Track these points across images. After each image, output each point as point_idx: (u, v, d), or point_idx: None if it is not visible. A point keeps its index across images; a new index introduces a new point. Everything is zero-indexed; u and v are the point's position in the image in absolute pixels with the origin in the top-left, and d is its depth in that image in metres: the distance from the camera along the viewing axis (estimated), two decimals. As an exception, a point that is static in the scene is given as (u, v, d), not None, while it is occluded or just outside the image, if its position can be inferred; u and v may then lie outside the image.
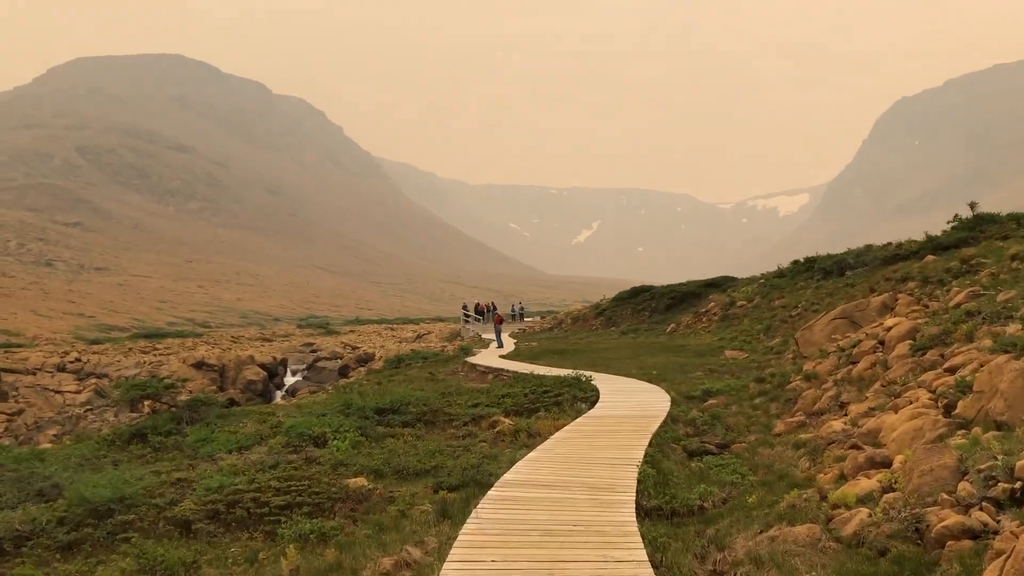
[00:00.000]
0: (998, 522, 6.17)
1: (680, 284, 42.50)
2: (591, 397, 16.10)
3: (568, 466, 9.98)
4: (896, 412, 10.30)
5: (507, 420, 14.24)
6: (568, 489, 8.78)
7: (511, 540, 7.06)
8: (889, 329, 15.05)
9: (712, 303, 35.30)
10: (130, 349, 56.21)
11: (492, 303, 57.40)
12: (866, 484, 8.01)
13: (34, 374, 42.43)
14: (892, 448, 9.10)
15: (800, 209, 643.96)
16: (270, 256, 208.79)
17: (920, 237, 28.44)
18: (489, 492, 8.76)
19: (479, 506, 8.16)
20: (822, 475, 9.37)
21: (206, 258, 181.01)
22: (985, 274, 17.51)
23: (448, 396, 17.52)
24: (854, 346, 15.65)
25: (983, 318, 12.68)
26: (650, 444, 11.37)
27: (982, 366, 9.84)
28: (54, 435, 32.27)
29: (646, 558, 6.53)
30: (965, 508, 6.57)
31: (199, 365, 41.81)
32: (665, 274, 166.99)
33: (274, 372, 44.98)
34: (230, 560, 7.94)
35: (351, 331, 77.27)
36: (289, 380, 45.83)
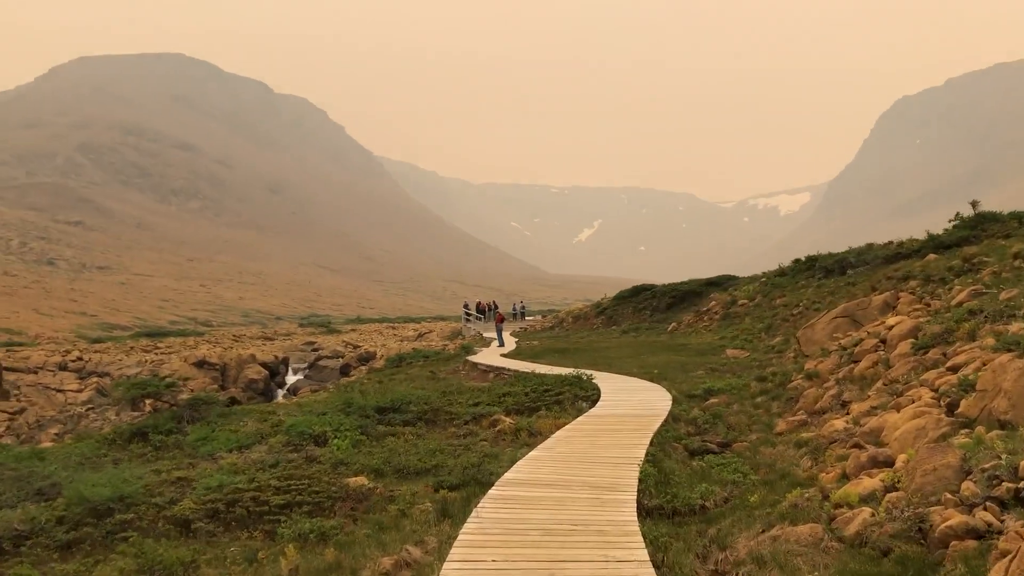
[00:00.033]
0: (1002, 522, 6.12)
1: (681, 283, 42.46)
2: (592, 396, 16.06)
3: (569, 465, 9.94)
4: (898, 411, 10.25)
5: (508, 419, 14.21)
6: (569, 488, 8.74)
7: (512, 539, 7.03)
8: (891, 328, 15.00)
9: (713, 302, 35.25)
10: (132, 348, 56.20)
11: (493, 302, 57.40)
12: (869, 483, 7.97)
13: (36, 373, 42.43)
14: (895, 447, 9.05)
15: (801, 208, 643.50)
16: (272, 255, 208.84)
17: (921, 236, 28.37)
18: (490, 491, 8.72)
19: (479, 505, 8.12)
20: (824, 474, 9.32)
21: (208, 257, 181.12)
22: (987, 272, 17.44)
23: (449, 395, 17.49)
24: (856, 345, 15.60)
25: (985, 316, 12.62)
26: (651, 443, 11.33)
27: (985, 365, 9.79)
28: (56, 434, 32.26)
29: (647, 558, 6.49)
30: (969, 508, 6.53)
31: (201, 364, 41.83)
32: (666, 273, 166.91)
33: (276, 371, 44.99)
34: (229, 560, 7.90)
35: (353, 330, 77.28)
36: (291, 379, 45.84)
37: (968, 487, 6.75)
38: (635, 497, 8.40)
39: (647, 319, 38.82)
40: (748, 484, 9.69)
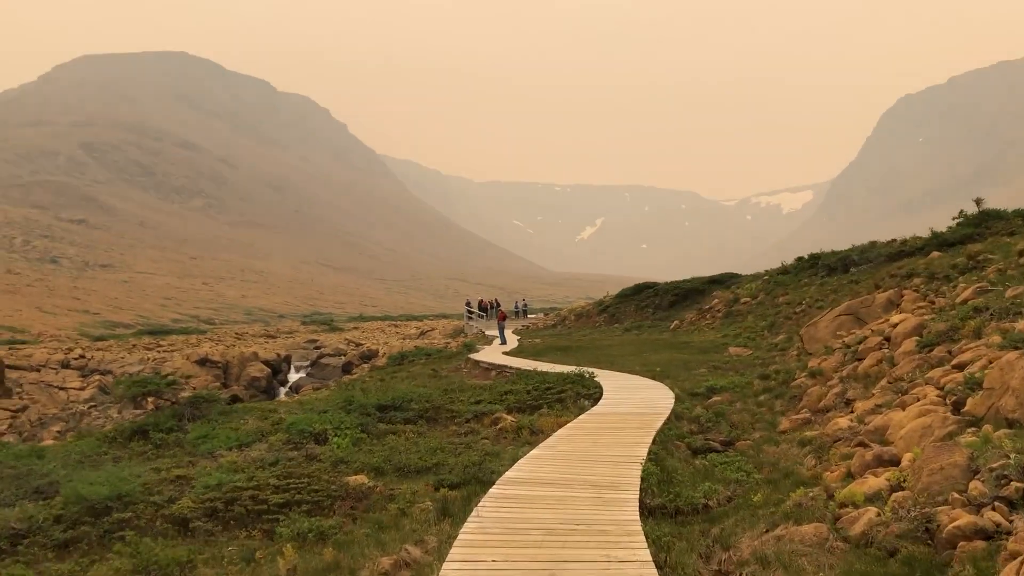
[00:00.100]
0: (1011, 522, 6.03)
1: (684, 281, 42.36)
2: (594, 394, 15.97)
3: (571, 464, 9.85)
4: (903, 409, 10.15)
5: (509, 417, 14.12)
6: (571, 487, 8.65)
7: (512, 539, 6.94)
8: (895, 325, 14.90)
9: (716, 300, 35.16)
10: (134, 346, 56.19)
11: (496, 300, 57.25)
12: (874, 482, 7.87)
13: (38, 371, 42.45)
14: (900, 446, 8.96)
15: (804, 206, 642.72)
16: (274, 253, 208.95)
17: (924, 234, 28.25)
18: (490, 490, 8.64)
19: (480, 504, 8.03)
20: (828, 473, 9.23)
21: (211, 255, 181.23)
22: (992, 270, 17.32)
23: (451, 393, 17.41)
24: (860, 343, 15.51)
25: (991, 314, 12.52)
26: (654, 441, 11.23)
27: (991, 363, 9.69)
28: (58, 432, 32.26)
29: (650, 558, 6.40)
30: (977, 508, 6.43)
31: (203, 362, 41.83)
32: (669, 271, 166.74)
33: (278, 369, 44.99)
34: (226, 559, 7.81)
35: (355, 328, 77.23)
36: (293, 377, 45.84)
37: (976, 487, 6.66)
38: (637, 496, 8.30)
39: (649, 317, 38.74)
40: (751, 483, 9.60)
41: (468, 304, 55.33)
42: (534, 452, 10.71)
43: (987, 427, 8.10)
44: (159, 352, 51.25)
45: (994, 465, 6.78)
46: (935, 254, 23.40)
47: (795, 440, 11.65)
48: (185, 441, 14.28)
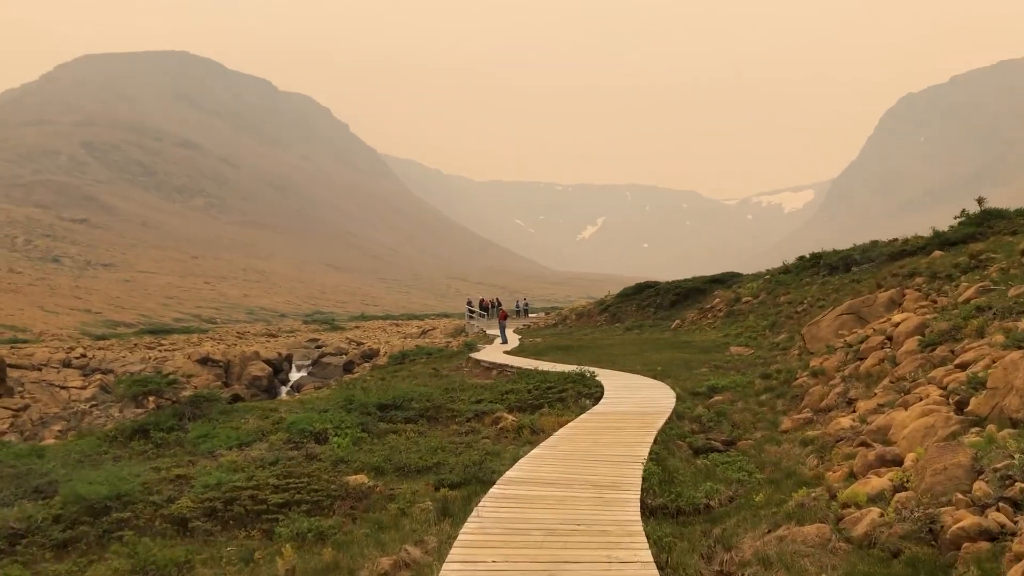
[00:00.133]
0: (1016, 523, 5.98)
1: (685, 280, 42.30)
2: (595, 393, 15.92)
3: (572, 463, 9.80)
4: (906, 409, 10.10)
5: (510, 416, 14.09)
6: (571, 487, 8.60)
7: (512, 540, 6.89)
8: (897, 325, 14.84)
9: (717, 299, 35.10)
10: (135, 345, 56.18)
11: (497, 299, 57.21)
12: (877, 483, 7.82)
13: (40, 370, 42.43)
14: (903, 446, 8.91)
15: (805, 206, 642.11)
16: (276, 252, 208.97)
17: (925, 233, 28.18)
18: (491, 490, 8.58)
19: (480, 504, 7.98)
20: (831, 473, 9.18)
21: (212, 254, 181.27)
22: (995, 269, 17.25)
23: (451, 392, 17.38)
24: (861, 342, 15.45)
25: (994, 313, 12.47)
26: (655, 441, 11.18)
27: (995, 362, 9.64)
28: (59, 431, 32.25)
29: (651, 559, 6.35)
30: (981, 508, 6.38)
31: (204, 361, 41.81)
32: (670, 270, 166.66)
33: (279, 368, 44.97)
34: (225, 560, 7.76)
35: (356, 327, 77.18)
36: (294, 376, 45.81)
37: (980, 487, 6.60)
38: (639, 496, 8.25)
39: (651, 316, 38.68)
40: (753, 483, 9.54)
41: (469, 303, 55.31)
42: (535, 452, 10.67)
43: (991, 427, 8.04)
44: (161, 351, 51.23)
45: (998, 465, 6.73)
46: (937, 253, 23.34)
47: (797, 440, 11.60)
48: (185, 440, 14.23)
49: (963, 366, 10.64)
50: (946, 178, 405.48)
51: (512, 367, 22.71)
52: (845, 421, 11.21)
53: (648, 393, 16.05)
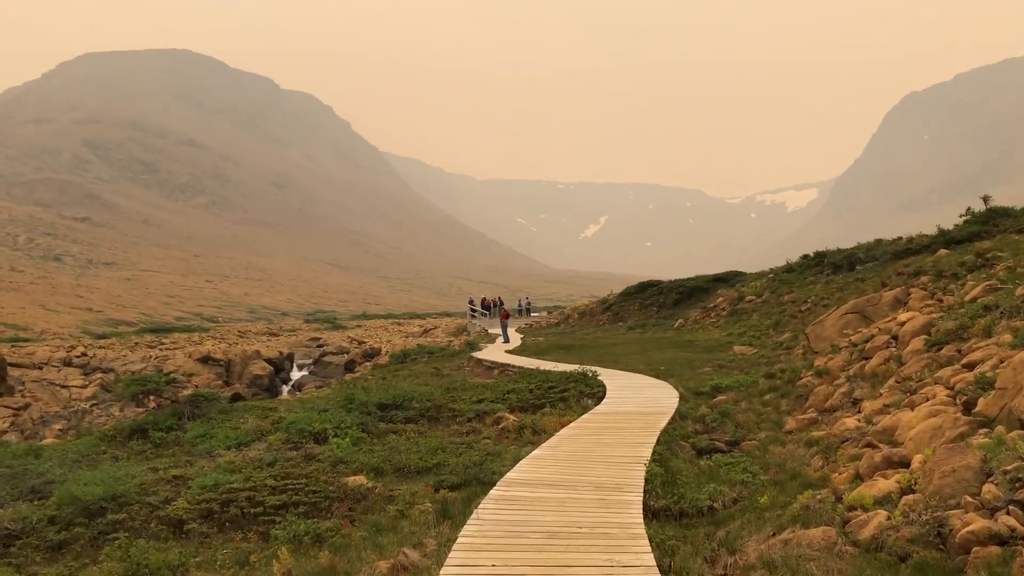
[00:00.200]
0: (1027, 527, 5.84)
1: (688, 279, 42.16)
2: (597, 393, 15.80)
3: (573, 464, 9.68)
4: (912, 409, 9.96)
5: (512, 416, 13.97)
6: (573, 488, 8.48)
7: (512, 543, 6.76)
8: (903, 324, 14.71)
9: (720, 298, 34.96)
10: (136, 344, 56.17)
11: (499, 298, 57.10)
12: (883, 485, 7.67)
13: (40, 368, 42.38)
14: (910, 447, 8.76)
15: (809, 204, 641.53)
16: (278, 251, 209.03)
17: (930, 232, 28.04)
18: (491, 491, 8.46)
19: (480, 506, 7.86)
20: (836, 475, 9.04)
21: (214, 253, 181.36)
22: (1001, 267, 17.10)
23: (452, 391, 17.27)
24: (866, 341, 15.32)
25: (1001, 312, 12.32)
26: (658, 441, 11.05)
27: (1003, 362, 9.50)
28: (60, 430, 32.17)
29: (654, 562, 6.22)
30: (991, 512, 6.24)
31: (205, 360, 41.71)
32: (673, 269, 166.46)
33: (280, 367, 44.89)
34: (220, 563, 7.63)
35: (358, 326, 77.15)
36: (295, 375, 45.73)
37: (989, 490, 6.47)
38: (641, 498, 8.13)
39: (653, 315, 38.55)
40: (757, 484, 9.40)
41: (471, 302, 55.20)
42: (536, 452, 10.54)
43: (1000, 428, 7.90)
44: (162, 350, 51.20)
45: (1008, 468, 6.59)
46: (942, 252, 23.19)
47: (802, 440, 11.46)
48: (184, 440, 14.13)
49: (970, 366, 10.50)
50: (951, 176, 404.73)
51: (514, 366, 22.60)
52: (850, 422, 11.06)
53: (651, 393, 15.93)
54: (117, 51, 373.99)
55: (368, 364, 39.72)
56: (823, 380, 14.65)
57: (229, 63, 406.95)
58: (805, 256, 34.51)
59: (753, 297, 32.22)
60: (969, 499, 6.52)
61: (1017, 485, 6.33)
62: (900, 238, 30.17)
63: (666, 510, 8.37)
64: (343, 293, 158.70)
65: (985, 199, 27.76)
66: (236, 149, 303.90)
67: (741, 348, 23.44)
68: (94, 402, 38.03)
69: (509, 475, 9.23)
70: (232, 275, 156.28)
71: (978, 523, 6.05)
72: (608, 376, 18.15)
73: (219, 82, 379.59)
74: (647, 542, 6.70)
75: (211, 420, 15.63)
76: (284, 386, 42.18)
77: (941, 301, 16.55)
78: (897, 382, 11.89)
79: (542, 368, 20.26)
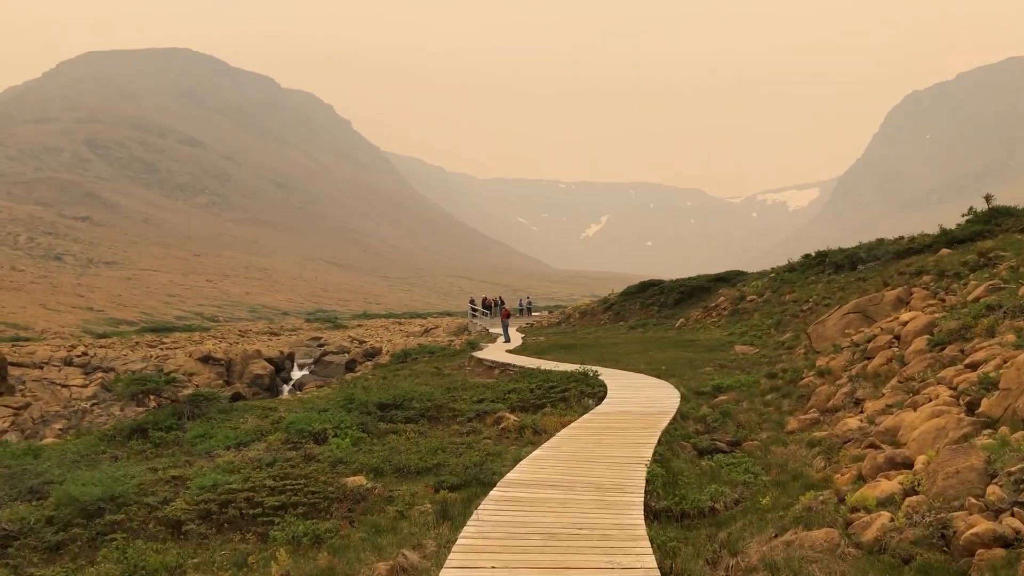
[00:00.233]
0: (1032, 530, 5.78)
1: (689, 278, 42.12)
2: (598, 393, 15.75)
3: (574, 465, 9.63)
4: (915, 410, 9.90)
5: (512, 416, 13.91)
6: (573, 489, 8.43)
7: (512, 544, 6.72)
8: (905, 323, 14.65)
9: (722, 298, 34.91)
10: (137, 343, 56.15)
11: (500, 297, 57.11)
12: (886, 486, 7.62)
13: (41, 368, 42.34)
14: (913, 448, 8.70)
15: (810, 203, 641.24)
16: (278, 250, 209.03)
17: (931, 231, 27.99)
18: (491, 492, 8.41)
19: (480, 507, 7.81)
20: (839, 476, 8.98)
21: (215, 252, 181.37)
22: (1004, 267, 17.04)
23: (453, 391, 17.21)
24: (869, 341, 15.26)
25: (1004, 312, 12.27)
26: (659, 442, 11.00)
27: (1006, 362, 9.44)
28: (60, 429, 32.14)
29: (655, 564, 6.16)
30: (995, 513, 6.18)
31: (206, 359, 41.68)
32: (674, 268, 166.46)
33: (281, 366, 44.86)
34: (217, 564, 7.57)
35: (359, 325, 77.11)
36: (296, 374, 45.69)
37: (994, 491, 6.41)
38: (642, 499, 8.07)
39: (655, 315, 38.51)
40: (759, 485, 9.35)
41: (472, 302, 55.17)
42: (537, 453, 10.49)
43: (1004, 429, 7.84)
44: (162, 349, 51.17)
45: (1012, 469, 6.54)
46: (945, 251, 23.13)
47: (804, 441, 11.40)
48: (184, 440, 14.07)
49: (974, 366, 10.44)
50: (953, 176, 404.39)
51: (515, 366, 22.56)
52: (853, 422, 11.01)
53: (652, 393, 15.88)
54: (117, 50, 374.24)
55: (369, 364, 39.68)
56: (825, 380, 14.60)
57: (230, 62, 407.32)
58: (806, 255, 34.46)
59: (754, 297, 32.16)
60: (973, 501, 6.46)
61: (1022, 487, 6.28)
62: (902, 237, 30.11)
63: (667, 511, 8.32)
64: (344, 292, 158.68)
65: (987, 198, 27.70)
66: (236, 148, 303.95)
67: (742, 348, 23.39)
68: (95, 401, 38.00)
69: (509, 476, 9.18)
70: (233, 274, 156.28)
71: (982, 525, 6.00)
72: (609, 376, 18.10)
73: (220, 81, 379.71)
74: (648, 543, 6.64)
75: (211, 420, 15.57)
76: (285, 385, 42.14)
77: (943, 301, 16.49)
78: (900, 382, 11.83)
79: (543, 368, 20.22)
